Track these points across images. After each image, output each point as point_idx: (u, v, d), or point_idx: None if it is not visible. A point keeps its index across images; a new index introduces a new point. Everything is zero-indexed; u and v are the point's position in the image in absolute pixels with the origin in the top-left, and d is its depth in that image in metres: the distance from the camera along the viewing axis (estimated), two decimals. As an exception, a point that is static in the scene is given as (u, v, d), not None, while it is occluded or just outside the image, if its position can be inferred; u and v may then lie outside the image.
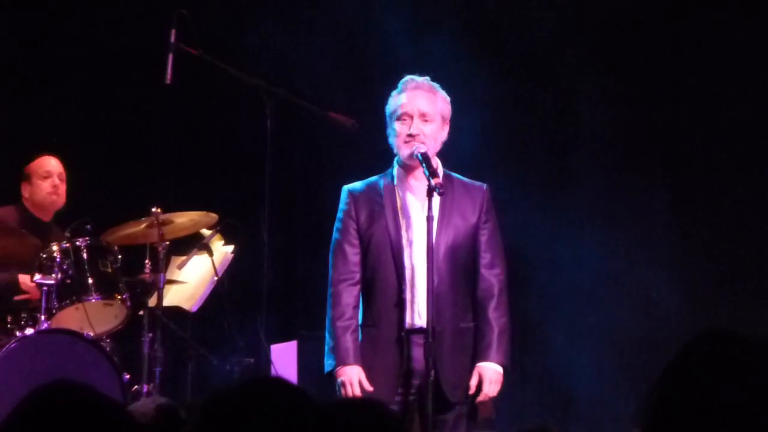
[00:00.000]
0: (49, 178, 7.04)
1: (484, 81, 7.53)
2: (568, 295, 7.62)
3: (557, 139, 7.80)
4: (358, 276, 5.02)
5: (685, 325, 7.36)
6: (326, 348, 5.00)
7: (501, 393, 5.03)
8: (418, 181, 5.07)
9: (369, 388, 4.89)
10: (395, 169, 5.12)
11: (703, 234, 7.50)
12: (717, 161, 7.47)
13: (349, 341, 4.93)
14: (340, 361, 4.93)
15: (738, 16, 7.42)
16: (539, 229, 7.67)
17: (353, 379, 4.90)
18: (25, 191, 7.06)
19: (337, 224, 5.11)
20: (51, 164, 7.08)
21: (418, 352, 4.92)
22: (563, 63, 7.71)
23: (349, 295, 4.98)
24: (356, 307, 4.99)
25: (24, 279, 6.61)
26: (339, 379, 4.93)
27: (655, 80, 7.62)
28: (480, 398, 4.96)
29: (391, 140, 5.09)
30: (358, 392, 4.85)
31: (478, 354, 5.00)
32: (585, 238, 7.57)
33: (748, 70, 7.39)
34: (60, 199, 7.07)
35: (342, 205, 5.12)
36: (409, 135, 5.01)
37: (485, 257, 5.08)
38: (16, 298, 6.65)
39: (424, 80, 5.12)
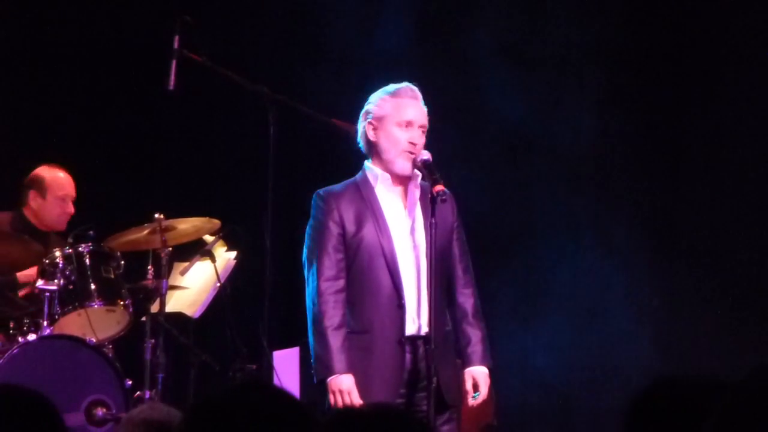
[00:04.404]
0: (65, 201, 6.93)
1: (483, 83, 7.55)
2: (567, 303, 7.62)
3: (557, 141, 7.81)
4: (343, 282, 4.90)
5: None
6: (313, 356, 4.89)
7: (501, 400, 5.02)
8: (404, 186, 4.99)
9: (359, 400, 4.79)
10: (378, 173, 4.99)
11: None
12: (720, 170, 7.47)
13: (342, 350, 4.82)
14: (336, 370, 4.82)
15: (740, 22, 7.42)
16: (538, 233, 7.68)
17: (352, 388, 4.82)
18: (34, 202, 6.91)
19: (315, 229, 4.96)
20: (70, 187, 6.94)
21: (416, 358, 4.88)
22: (563, 64, 7.72)
23: (338, 302, 4.87)
24: (345, 314, 4.88)
25: (23, 273, 6.55)
26: (335, 388, 4.81)
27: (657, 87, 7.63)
28: (478, 401, 4.97)
29: (384, 144, 4.94)
30: (356, 401, 4.75)
31: (467, 359, 4.99)
32: (585, 246, 7.56)
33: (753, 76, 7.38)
34: (65, 223, 6.97)
35: (321, 210, 4.96)
36: (413, 144, 4.93)
37: (463, 261, 5.08)
38: (21, 293, 6.61)
39: (417, 90, 5.03)
